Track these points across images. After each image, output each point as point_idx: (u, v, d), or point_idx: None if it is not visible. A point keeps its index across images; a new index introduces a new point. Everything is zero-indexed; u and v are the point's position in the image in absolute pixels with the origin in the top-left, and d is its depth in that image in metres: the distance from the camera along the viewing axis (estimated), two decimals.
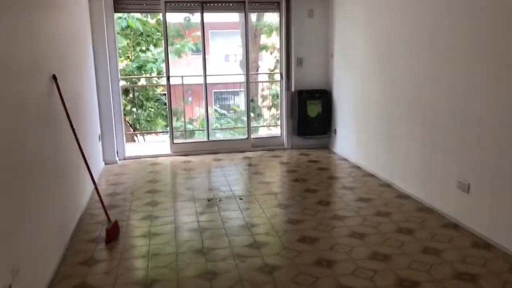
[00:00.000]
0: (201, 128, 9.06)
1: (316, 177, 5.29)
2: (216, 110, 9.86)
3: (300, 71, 6.54)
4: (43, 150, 3.14)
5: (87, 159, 3.96)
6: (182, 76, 7.53)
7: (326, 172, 5.51)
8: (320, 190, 4.79)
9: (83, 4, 5.37)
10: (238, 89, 13.60)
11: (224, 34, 16.99)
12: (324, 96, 6.55)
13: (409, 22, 4.46)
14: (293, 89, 6.57)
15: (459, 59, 3.71)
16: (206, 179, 5.40)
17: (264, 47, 11.50)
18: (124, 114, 9.97)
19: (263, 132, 9.58)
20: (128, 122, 10.08)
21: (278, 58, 12.06)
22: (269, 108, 10.29)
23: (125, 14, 8.91)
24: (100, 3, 5.69)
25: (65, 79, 3.86)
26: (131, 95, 9.57)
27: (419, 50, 4.28)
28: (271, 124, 9.96)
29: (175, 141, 6.50)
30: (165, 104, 10.56)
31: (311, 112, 6.53)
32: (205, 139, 6.64)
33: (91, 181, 3.98)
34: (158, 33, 10.27)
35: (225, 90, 14.37)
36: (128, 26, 9.42)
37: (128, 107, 9.74)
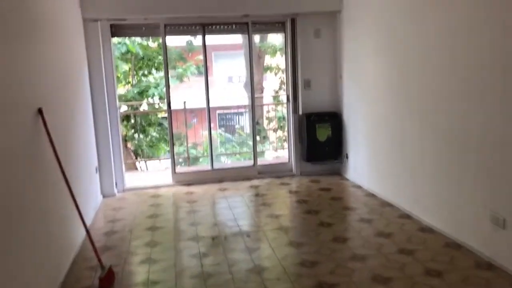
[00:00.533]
0: (205, 154, 8.70)
1: (329, 208, 4.90)
2: (220, 134, 9.51)
3: (308, 93, 6.21)
4: (29, 192, 2.80)
5: (81, 195, 3.63)
6: (184, 102, 7.20)
7: (339, 202, 5.12)
8: (335, 224, 4.39)
9: (78, 29, 5.11)
10: (243, 110, 13.36)
11: (228, 55, 16.84)
12: (334, 119, 6.20)
13: (423, 39, 4.12)
14: (300, 112, 6.23)
15: (482, 78, 3.35)
16: (210, 212, 5.01)
17: (268, 68, 11.23)
18: (126, 140, 9.74)
19: (269, 156, 9.25)
20: (130, 149, 9.77)
21: (283, 79, 11.92)
22: (275, 130, 9.96)
23: (125, 38, 8.69)
24: (96, 28, 5.42)
25: (53, 112, 3.54)
26: (132, 121, 9.28)
27: (436, 67, 3.93)
28: (278, 148, 9.62)
29: (178, 170, 6.15)
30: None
31: (320, 136, 6.17)
32: (209, 167, 6.27)
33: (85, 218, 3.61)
34: (160, 57, 10.05)
35: (229, 112, 14.13)
36: (128, 51, 9.19)
37: (130, 133, 9.44)
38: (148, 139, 9.73)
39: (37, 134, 3.12)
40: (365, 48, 5.38)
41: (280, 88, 11.11)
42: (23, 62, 2.96)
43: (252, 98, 6.38)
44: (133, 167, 8.93)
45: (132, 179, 6.43)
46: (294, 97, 6.26)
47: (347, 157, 6.11)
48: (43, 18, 3.58)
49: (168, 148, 9.78)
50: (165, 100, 6.05)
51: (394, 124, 4.77)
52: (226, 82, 17.44)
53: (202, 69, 10.86)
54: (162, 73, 9.83)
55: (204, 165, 6.72)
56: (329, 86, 6.26)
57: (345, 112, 6.11)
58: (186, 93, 12.84)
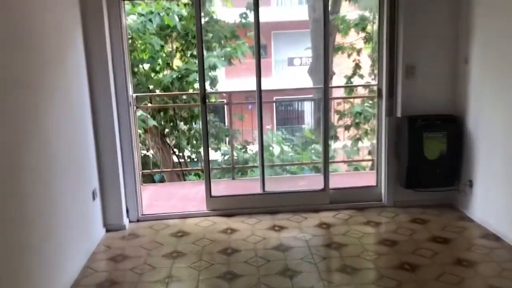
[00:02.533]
0: (254, 165, 6.69)
1: (451, 278, 2.85)
2: (282, 137, 7.38)
3: (411, 86, 4.09)
4: None
5: (64, 231, 1.89)
6: (227, 93, 5.33)
7: (470, 271, 3.04)
8: None
9: None
10: (306, 100, 11.30)
11: (289, 35, 14.82)
12: (451, 126, 4.06)
13: None
14: (399, 114, 4.14)
15: None
16: (254, 279, 3.10)
17: (340, 48, 9.04)
18: (164, 135, 8.06)
19: (338, 164, 7.20)
20: (169, 145, 8.09)
21: (359, 62, 9.70)
22: (347, 128, 7.84)
23: (150, 4, 6.85)
24: None
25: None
26: (171, 112, 7.56)
27: None
28: (354, 159, 7.51)
29: (215, 192, 4.29)
30: (218, 120, 8.48)
31: (429, 151, 4.06)
32: (258, 187, 4.34)
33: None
34: (209, 34, 8.20)
35: (288, 101, 12.23)
36: (168, 26, 7.39)
37: (169, 127, 7.76)
38: (191, 133, 7.98)
39: None
40: None
41: (354, 74, 8.94)
42: None
43: (326, 90, 4.36)
44: (175, 178, 7.19)
45: (158, 196, 4.77)
46: (390, 92, 4.16)
47: (470, 185, 3.97)
48: None
49: (216, 147, 8.01)
50: (199, 93, 4.18)
51: None
52: (286, 66, 15.41)
53: (262, 49, 8.85)
54: (214, 52, 7.97)
55: (252, 182, 4.79)
56: (444, 75, 4.11)
57: (471, 116, 3.94)
58: (239, 80, 10.98)
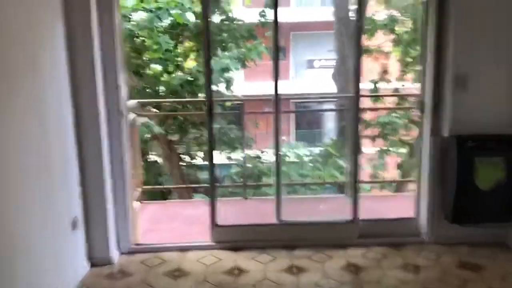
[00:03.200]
0: (269, 182, 5.87)
1: None
2: (300, 149, 6.57)
3: (462, 100, 3.35)
4: None
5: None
6: (241, 100, 4.68)
7: None
8: None
9: None
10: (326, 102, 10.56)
11: (307, 36, 14.15)
12: (511, 149, 3.32)
13: None
14: (446, 133, 3.40)
15: None
16: None
17: (367, 51, 8.29)
18: (172, 142, 7.45)
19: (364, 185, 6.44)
20: (177, 153, 7.48)
21: (386, 66, 8.95)
22: (373, 139, 7.10)
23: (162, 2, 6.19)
24: None
25: None
26: (181, 118, 6.93)
27: None
28: (382, 174, 6.77)
29: (221, 219, 3.61)
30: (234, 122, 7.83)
31: (482, 179, 3.32)
32: (273, 214, 3.64)
33: None
34: (224, 34, 7.55)
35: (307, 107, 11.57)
36: (178, 24, 6.78)
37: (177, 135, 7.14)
38: (202, 139, 7.34)
39: None
40: None
41: (381, 79, 8.20)
42: None
43: (357, 99, 3.63)
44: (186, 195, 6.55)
45: (159, 217, 4.17)
46: (436, 107, 3.43)
47: None
48: None
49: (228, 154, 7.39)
50: (206, 100, 3.50)
51: None
52: (305, 68, 14.69)
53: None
54: (227, 53, 7.31)
55: (266, 204, 4.09)
56: (502, 87, 3.38)
57: None
58: (257, 82, 10.33)
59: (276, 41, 3.41)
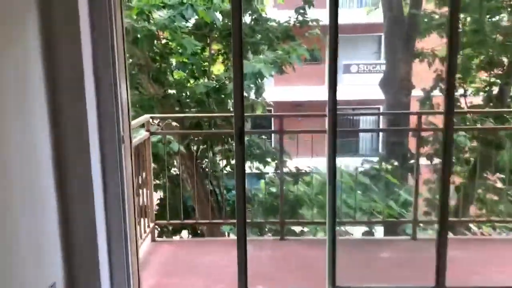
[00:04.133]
0: (314, 220, 4.68)
1: None
2: (347, 173, 5.35)
3: None
4: None
5: None
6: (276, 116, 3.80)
7: None
8: None
9: None
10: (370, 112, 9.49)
11: (344, 39, 13.19)
12: None
13: None
14: None
15: None
16: None
17: (420, 55, 7.20)
18: (194, 156, 6.59)
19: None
20: (203, 169, 6.62)
21: (441, 72, 7.84)
22: (430, 157, 6.02)
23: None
24: None
25: None
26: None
27: None
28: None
29: (252, 275, 2.69)
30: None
31: None
32: (325, 278, 2.68)
33: None
34: (257, 36, 6.64)
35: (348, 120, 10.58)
36: (206, 23, 5.92)
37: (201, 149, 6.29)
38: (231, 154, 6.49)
39: None
40: None
41: (435, 87, 7.12)
42: None
43: (450, 121, 2.62)
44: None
45: (173, 264, 3.35)
46: None
47: None
48: None
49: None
50: (234, 127, 2.58)
51: None
52: (341, 73, 13.68)
53: (317, 53, 7.13)
54: (261, 57, 6.41)
55: (310, 249, 3.09)
56: None
57: None
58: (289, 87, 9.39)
59: (335, 46, 2.48)
